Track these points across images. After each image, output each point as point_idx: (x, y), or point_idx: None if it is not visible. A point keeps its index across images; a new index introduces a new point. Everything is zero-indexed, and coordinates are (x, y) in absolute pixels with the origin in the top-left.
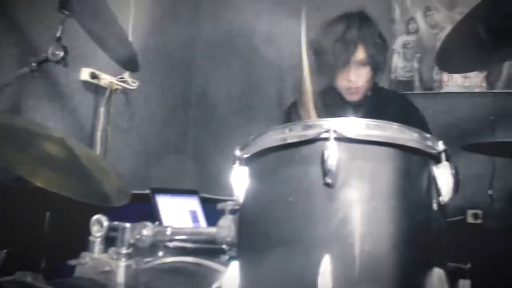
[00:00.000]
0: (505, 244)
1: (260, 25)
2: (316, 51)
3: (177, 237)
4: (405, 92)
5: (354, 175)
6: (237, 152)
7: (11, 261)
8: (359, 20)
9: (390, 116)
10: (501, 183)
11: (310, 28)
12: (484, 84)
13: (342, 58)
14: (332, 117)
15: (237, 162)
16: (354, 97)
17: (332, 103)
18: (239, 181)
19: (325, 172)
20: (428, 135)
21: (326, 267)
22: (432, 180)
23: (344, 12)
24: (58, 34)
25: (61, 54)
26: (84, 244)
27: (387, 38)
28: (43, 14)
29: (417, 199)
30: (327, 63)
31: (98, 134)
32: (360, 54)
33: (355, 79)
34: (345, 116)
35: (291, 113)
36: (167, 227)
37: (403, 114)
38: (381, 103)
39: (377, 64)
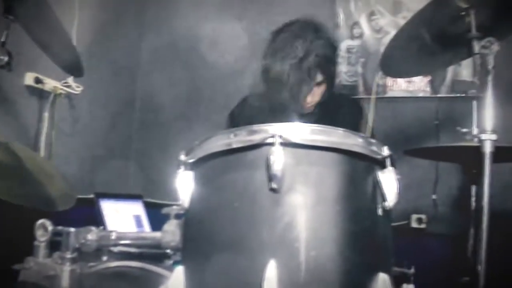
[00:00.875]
0: (449, 249)
1: (204, 31)
2: (270, 77)
3: (122, 242)
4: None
5: (299, 180)
6: (182, 157)
7: None
8: (314, 39)
9: (340, 121)
10: (445, 188)
11: (255, 33)
12: (428, 89)
13: (302, 89)
14: (283, 121)
15: (182, 167)
16: (309, 110)
17: (283, 106)
18: (184, 186)
19: (271, 177)
20: (373, 140)
21: (271, 271)
22: (377, 185)
23: (293, 23)
24: (2, 39)
25: (6, 59)
26: (28, 249)
27: None
28: None
29: (362, 204)
30: (283, 89)
31: (42, 138)
32: (318, 78)
33: (312, 100)
34: (293, 121)
35: (236, 115)
36: (111, 231)
37: (353, 119)
38: (332, 108)
39: (332, 78)
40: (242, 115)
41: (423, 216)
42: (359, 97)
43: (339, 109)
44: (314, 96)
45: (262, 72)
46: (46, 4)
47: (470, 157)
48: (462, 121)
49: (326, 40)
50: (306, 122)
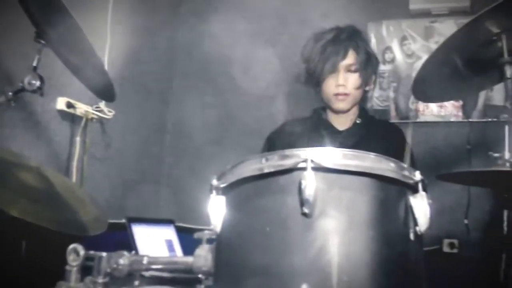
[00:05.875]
0: (481, 274)
1: (236, 55)
2: (306, 59)
3: (154, 266)
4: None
5: (331, 205)
6: (214, 182)
7: None
8: (350, 29)
9: (380, 147)
10: (477, 213)
11: (287, 58)
12: (460, 114)
13: (332, 61)
14: (320, 145)
15: (214, 192)
16: (342, 105)
17: (321, 130)
18: (216, 210)
19: (302, 202)
20: (405, 165)
21: None
22: (409, 210)
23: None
24: (34, 64)
25: (37, 83)
26: (60, 273)
27: None
28: (19, 43)
29: (394, 229)
30: (316, 69)
31: (74, 163)
32: (350, 58)
33: (343, 83)
34: (332, 145)
35: (274, 139)
36: (143, 256)
37: (394, 146)
38: (371, 133)
39: (367, 73)
40: (279, 140)
41: (455, 241)
42: (391, 121)
43: (383, 134)
44: (347, 81)
45: (302, 59)
46: (78, 28)
47: (502, 182)
48: (494, 146)
49: (362, 35)
50: (344, 142)
